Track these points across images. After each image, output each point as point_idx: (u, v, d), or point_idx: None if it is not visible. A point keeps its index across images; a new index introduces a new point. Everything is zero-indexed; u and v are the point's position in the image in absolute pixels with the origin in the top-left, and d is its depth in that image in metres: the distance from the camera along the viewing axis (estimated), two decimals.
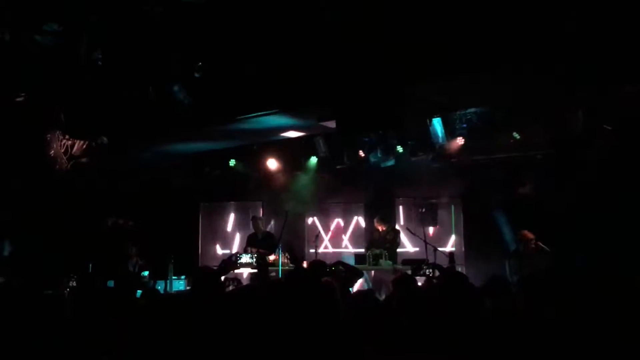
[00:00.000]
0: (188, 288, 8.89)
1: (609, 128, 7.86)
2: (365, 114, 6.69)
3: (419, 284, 5.62)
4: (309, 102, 7.16)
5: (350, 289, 5.84)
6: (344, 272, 5.24)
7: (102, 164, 9.20)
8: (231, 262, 4.38)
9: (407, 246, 10.34)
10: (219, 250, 11.51)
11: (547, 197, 8.75)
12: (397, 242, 9.55)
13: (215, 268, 4.94)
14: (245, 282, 8.38)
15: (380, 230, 9.61)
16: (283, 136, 8.98)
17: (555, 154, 8.74)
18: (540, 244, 7.56)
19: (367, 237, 10.25)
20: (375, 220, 9.80)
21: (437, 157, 9.21)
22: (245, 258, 8.99)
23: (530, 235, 7.62)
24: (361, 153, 9.67)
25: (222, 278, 9.04)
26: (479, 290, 3.55)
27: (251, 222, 10.15)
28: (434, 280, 6.91)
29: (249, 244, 9.73)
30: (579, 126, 7.65)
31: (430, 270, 7.70)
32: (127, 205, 10.21)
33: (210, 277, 3.78)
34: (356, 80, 6.51)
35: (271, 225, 10.89)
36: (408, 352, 2.64)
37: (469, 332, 2.62)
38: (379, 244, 9.36)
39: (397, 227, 10.15)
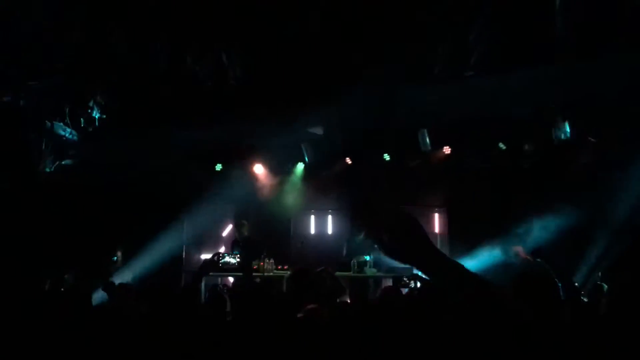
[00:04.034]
0: None
1: (593, 140, 7.94)
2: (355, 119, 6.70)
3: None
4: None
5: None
6: (329, 280, 5.08)
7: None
8: (213, 262, 4.25)
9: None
10: (203, 256, 11.36)
11: (532, 206, 8.80)
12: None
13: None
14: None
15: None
16: None
17: (541, 164, 8.79)
18: (528, 256, 7.60)
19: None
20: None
21: (423, 165, 9.23)
22: (228, 258, 8.89)
23: (523, 254, 7.64)
24: (347, 160, 9.68)
25: (208, 283, 8.99)
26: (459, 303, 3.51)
27: (234, 226, 10.05)
28: (415, 292, 6.84)
29: (233, 249, 9.61)
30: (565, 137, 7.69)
31: (413, 282, 7.68)
32: (111, 208, 10.07)
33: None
34: (345, 85, 6.51)
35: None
36: None
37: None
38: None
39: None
